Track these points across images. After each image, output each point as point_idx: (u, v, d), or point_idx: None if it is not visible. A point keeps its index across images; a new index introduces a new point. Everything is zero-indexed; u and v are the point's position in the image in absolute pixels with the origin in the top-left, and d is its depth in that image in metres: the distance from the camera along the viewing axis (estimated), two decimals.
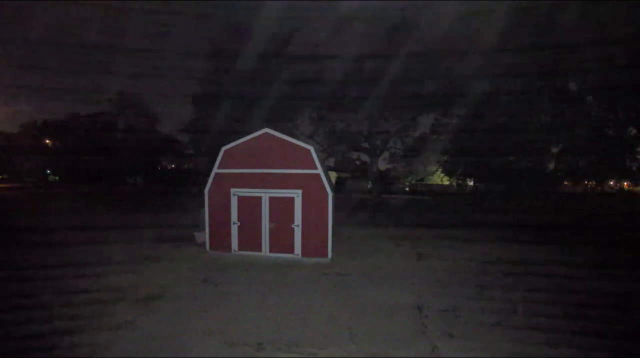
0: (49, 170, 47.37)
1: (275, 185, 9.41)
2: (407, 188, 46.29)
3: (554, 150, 30.64)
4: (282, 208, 9.42)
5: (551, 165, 31.60)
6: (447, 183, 42.28)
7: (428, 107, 28.65)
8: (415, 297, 6.69)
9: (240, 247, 9.68)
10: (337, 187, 13.83)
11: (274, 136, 9.44)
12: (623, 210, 23.57)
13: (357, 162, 41.47)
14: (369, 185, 37.39)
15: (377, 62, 25.27)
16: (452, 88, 25.34)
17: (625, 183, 42.03)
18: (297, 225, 9.35)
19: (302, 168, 9.30)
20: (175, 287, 7.12)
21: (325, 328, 5.37)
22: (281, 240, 9.45)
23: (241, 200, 9.62)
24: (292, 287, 7.23)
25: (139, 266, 8.54)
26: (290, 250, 9.42)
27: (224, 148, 9.71)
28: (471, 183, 39.51)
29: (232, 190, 9.63)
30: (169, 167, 48.53)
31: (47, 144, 43.63)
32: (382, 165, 38.26)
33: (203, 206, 9.96)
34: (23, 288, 6.95)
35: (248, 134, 9.73)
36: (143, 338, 5.04)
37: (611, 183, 40.64)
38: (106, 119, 40.41)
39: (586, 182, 36.08)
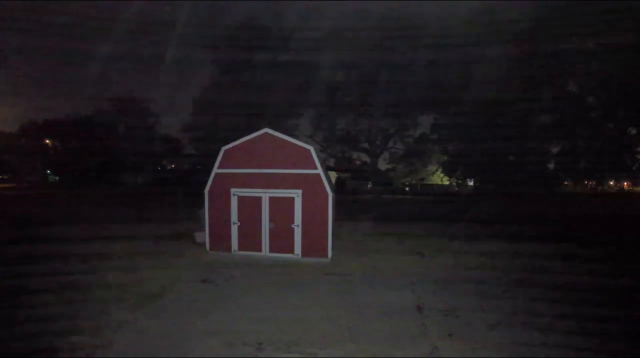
0: (49, 170, 47.35)
1: (275, 185, 9.40)
2: (407, 188, 46.28)
3: (554, 150, 30.70)
4: (282, 208, 9.41)
5: (551, 165, 31.65)
6: (447, 183, 42.29)
7: (428, 107, 28.71)
8: (415, 297, 6.69)
9: (240, 247, 9.67)
10: (337, 187, 13.83)
11: (274, 136, 9.43)
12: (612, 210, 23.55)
13: (357, 162, 41.49)
14: (369, 185, 37.42)
15: (377, 62, 25.29)
16: (452, 88, 25.37)
17: (625, 183, 42.03)
18: (297, 225, 9.34)
19: (302, 168, 9.29)
20: (175, 287, 7.11)
21: (325, 328, 5.37)
22: (281, 240, 9.44)
23: (241, 200, 9.62)
24: (292, 287, 7.22)
25: (139, 266, 8.54)
26: (290, 250, 9.41)
27: (224, 148, 9.71)
28: (471, 183, 39.53)
29: (232, 190, 9.62)
30: (168, 167, 48.53)
31: (47, 144, 43.62)
32: (382, 165, 38.28)
33: (203, 206, 9.96)
34: (22, 286, 6.95)
35: (248, 133, 9.73)
36: (143, 338, 5.03)
37: (611, 183, 40.65)
38: (106, 119, 40.41)
39: (586, 182, 36.09)
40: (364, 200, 28.47)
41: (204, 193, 9.84)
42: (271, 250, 9.51)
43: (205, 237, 9.98)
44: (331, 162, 33.66)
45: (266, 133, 9.48)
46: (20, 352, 4.68)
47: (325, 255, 9.23)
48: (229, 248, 9.68)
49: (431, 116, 31.32)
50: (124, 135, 40.38)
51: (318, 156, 9.59)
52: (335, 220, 9.64)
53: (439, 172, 39.60)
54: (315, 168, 9.25)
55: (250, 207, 9.56)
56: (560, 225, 16.18)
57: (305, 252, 9.33)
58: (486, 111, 26.21)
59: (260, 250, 9.56)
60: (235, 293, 6.83)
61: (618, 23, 21.91)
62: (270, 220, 9.49)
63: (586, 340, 5.11)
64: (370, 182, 37.18)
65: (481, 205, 25.13)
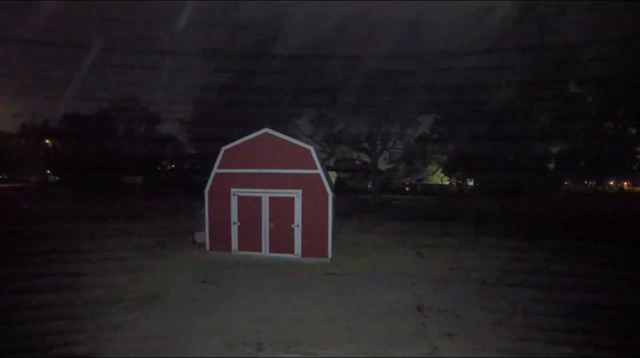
0: (49, 170, 47.34)
1: (275, 185, 9.40)
2: (407, 188, 46.28)
3: (554, 150, 30.68)
4: (282, 208, 9.41)
5: (551, 165, 31.63)
6: (447, 183, 42.27)
7: (428, 107, 28.69)
8: (415, 297, 6.69)
9: (240, 247, 9.67)
10: (337, 187, 13.84)
11: (274, 136, 9.44)
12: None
13: (357, 162, 41.46)
14: (369, 185, 37.43)
15: (377, 62, 25.30)
16: (451, 87, 25.38)
17: (625, 183, 42.06)
18: (297, 225, 9.34)
19: (302, 168, 9.29)
20: (175, 287, 7.11)
21: (325, 328, 5.37)
22: (281, 240, 9.44)
23: (241, 200, 9.62)
24: (292, 287, 7.23)
25: (139, 266, 8.53)
26: (290, 250, 9.41)
27: (224, 148, 9.71)
28: (471, 183, 39.53)
29: (232, 190, 9.62)
30: (168, 167, 48.48)
31: (47, 144, 43.61)
32: (382, 165, 38.21)
33: (203, 206, 9.96)
34: (23, 287, 6.95)
35: (248, 134, 9.73)
36: (143, 338, 5.03)
37: (611, 183, 40.67)
38: (106, 120, 40.39)
39: (586, 182, 36.07)
40: (364, 200, 28.48)
41: (204, 193, 9.85)
42: (271, 250, 9.51)
43: (205, 237, 9.97)
44: (331, 162, 33.59)
45: (266, 133, 9.48)
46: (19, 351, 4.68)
47: (325, 255, 9.23)
48: (229, 248, 9.68)
49: (431, 116, 31.31)
50: (123, 135, 40.36)
51: (318, 156, 9.60)
52: (335, 220, 9.64)
53: (439, 172, 39.55)
54: (315, 168, 9.25)
55: (250, 207, 9.56)
56: (560, 225, 16.17)
57: (305, 252, 9.33)
58: (486, 111, 26.22)
59: (260, 250, 9.56)
60: (235, 293, 6.83)
61: (618, 22, 21.93)
62: (270, 220, 9.49)
63: (586, 339, 5.11)
64: (370, 182, 37.17)
65: (481, 205, 25.13)
